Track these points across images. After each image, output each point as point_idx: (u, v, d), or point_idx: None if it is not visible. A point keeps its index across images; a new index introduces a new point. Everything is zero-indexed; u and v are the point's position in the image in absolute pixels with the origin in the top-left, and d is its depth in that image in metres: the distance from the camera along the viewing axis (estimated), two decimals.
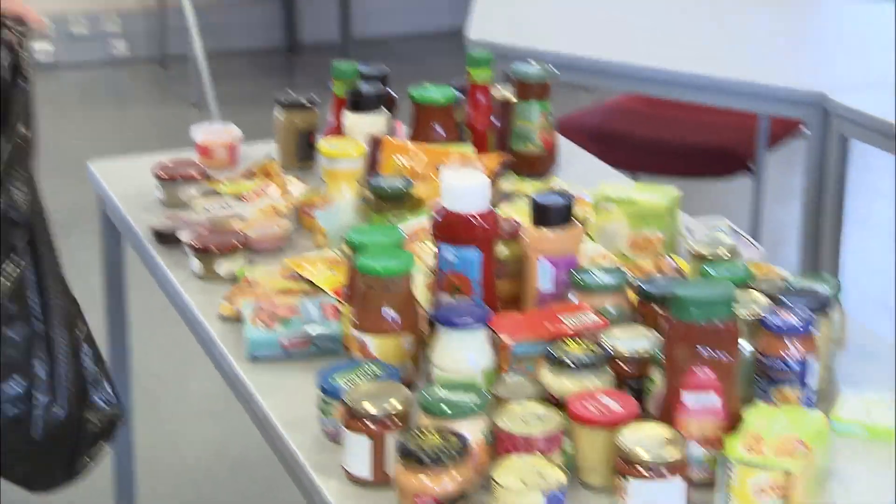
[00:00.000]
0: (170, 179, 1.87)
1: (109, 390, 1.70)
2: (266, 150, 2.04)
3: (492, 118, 1.92)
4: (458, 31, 5.07)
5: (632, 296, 1.41)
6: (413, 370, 1.39)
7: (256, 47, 4.98)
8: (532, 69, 1.91)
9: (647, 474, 1.14)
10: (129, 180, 1.95)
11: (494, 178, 1.76)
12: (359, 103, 1.89)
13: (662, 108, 3.00)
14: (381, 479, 1.23)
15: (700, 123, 2.98)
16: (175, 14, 4.63)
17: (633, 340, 1.30)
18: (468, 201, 1.41)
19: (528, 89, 1.91)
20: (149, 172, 1.89)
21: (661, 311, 1.32)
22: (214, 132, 2.04)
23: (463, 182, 1.42)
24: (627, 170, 2.62)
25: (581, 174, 1.93)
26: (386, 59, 4.82)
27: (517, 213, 1.61)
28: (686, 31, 2.80)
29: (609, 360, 1.28)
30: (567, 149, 2.04)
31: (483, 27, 2.73)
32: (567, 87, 2.42)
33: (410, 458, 1.16)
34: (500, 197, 1.72)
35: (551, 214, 1.43)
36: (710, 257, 1.47)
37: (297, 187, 1.87)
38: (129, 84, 4.69)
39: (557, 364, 1.26)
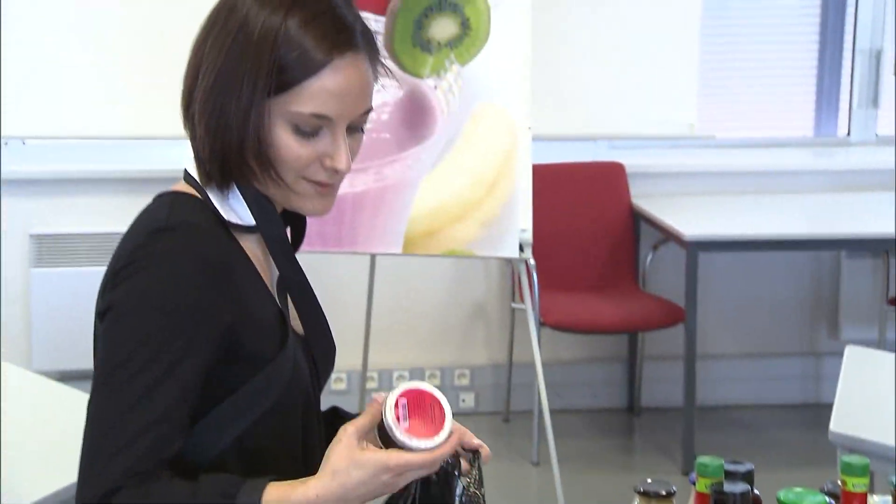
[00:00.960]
0: None
1: None
2: None
3: None
4: (806, 404, 5.00)
5: None
6: None
7: (597, 406, 5.00)
8: None
9: None
10: None
11: None
12: (724, 503, 1.82)
13: None
14: None
15: None
16: (522, 370, 4.74)
17: None
18: None
19: None
20: None
21: None
22: None
23: None
24: None
25: None
26: (729, 427, 4.79)
27: None
28: None
29: None
30: None
31: (847, 421, 2.63)
32: None
33: None
34: None
35: None
36: None
37: None
38: None
39: None
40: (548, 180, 4.76)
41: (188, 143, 1.64)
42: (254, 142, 1.55)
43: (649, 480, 2.01)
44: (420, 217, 3.91)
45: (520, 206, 3.95)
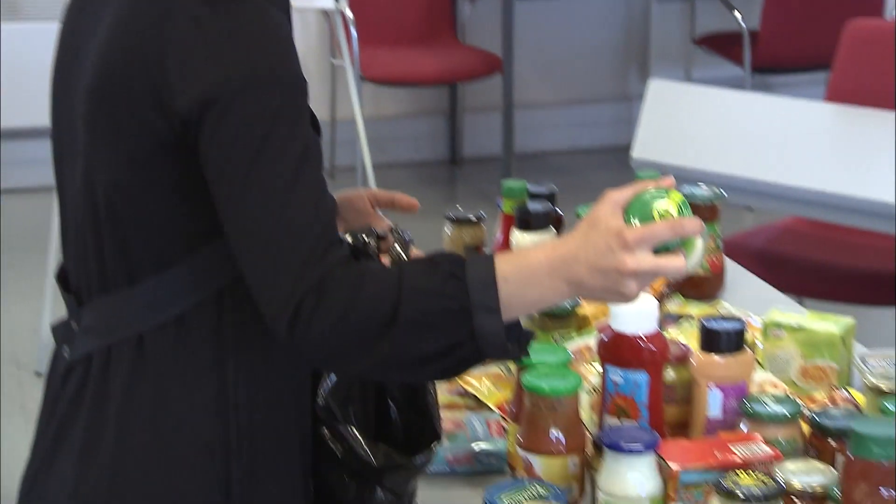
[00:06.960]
0: None
1: None
2: None
3: None
4: (619, 146, 5.16)
5: (805, 428, 1.38)
6: (578, 492, 1.38)
7: (420, 159, 5.07)
8: (700, 191, 1.90)
9: None
10: None
11: (661, 299, 1.75)
12: (527, 222, 1.91)
13: (832, 231, 2.94)
14: None
15: (873, 248, 2.90)
16: (344, 126, 4.75)
17: (807, 475, 1.26)
18: (636, 323, 1.41)
19: (696, 211, 1.86)
20: None
21: (836, 446, 1.29)
22: None
23: (630, 304, 1.42)
24: (794, 294, 2.57)
25: (748, 298, 1.90)
26: (546, 173, 4.93)
27: (685, 336, 1.59)
28: (856, 155, 2.76)
29: (782, 494, 1.24)
30: (734, 271, 2.02)
31: (647, 147, 2.74)
32: (732, 207, 2.41)
33: None
34: (666, 319, 1.71)
35: (721, 340, 1.41)
36: (887, 391, 1.42)
37: None
38: None
39: (728, 495, 1.23)
40: None
41: None
42: None
43: (459, 208, 2.08)
44: None
45: None
